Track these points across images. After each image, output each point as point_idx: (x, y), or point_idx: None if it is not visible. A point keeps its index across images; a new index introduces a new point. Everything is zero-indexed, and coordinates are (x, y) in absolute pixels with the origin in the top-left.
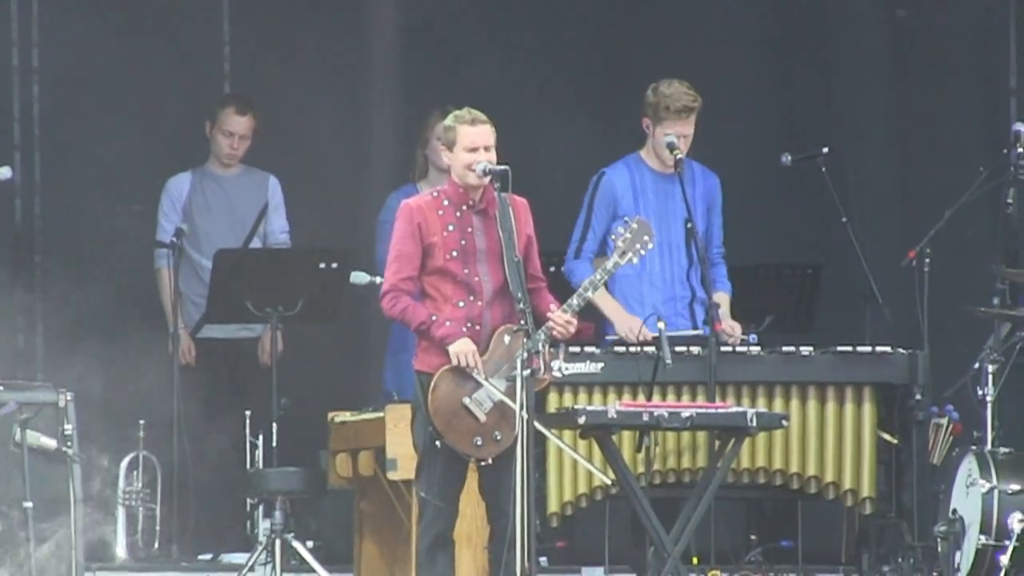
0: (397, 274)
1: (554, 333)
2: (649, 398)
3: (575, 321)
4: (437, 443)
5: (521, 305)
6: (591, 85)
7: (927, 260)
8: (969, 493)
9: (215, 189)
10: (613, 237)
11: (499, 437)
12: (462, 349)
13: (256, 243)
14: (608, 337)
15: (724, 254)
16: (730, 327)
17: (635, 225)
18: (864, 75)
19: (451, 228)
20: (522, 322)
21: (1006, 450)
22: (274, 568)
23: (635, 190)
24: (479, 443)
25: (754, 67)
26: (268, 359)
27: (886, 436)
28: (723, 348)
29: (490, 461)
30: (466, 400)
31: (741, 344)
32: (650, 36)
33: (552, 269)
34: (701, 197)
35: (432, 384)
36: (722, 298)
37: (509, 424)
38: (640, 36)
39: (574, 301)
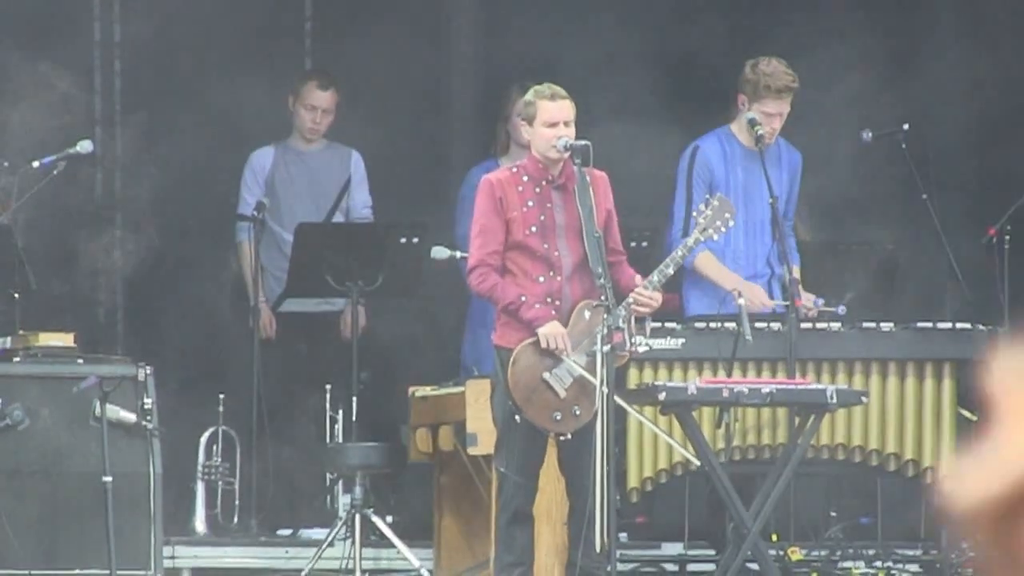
0: (483, 248)
1: (636, 310)
2: (729, 374)
3: (658, 296)
4: (516, 418)
5: (602, 280)
6: (670, 59)
7: (1007, 237)
8: None
9: (298, 163)
10: (695, 214)
11: (578, 412)
12: (552, 331)
13: (339, 218)
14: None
15: (794, 226)
16: (806, 298)
17: (716, 202)
18: (943, 51)
19: (530, 203)
20: (602, 297)
21: None
22: (353, 543)
23: (727, 163)
24: (558, 418)
25: (833, 45)
26: (349, 333)
27: (966, 413)
28: (803, 324)
29: (569, 436)
30: (546, 375)
31: (830, 316)
32: (727, 13)
33: (633, 245)
34: (787, 175)
35: (512, 358)
36: (795, 269)
37: (589, 399)
38: (717, 13)
39: (655, 277)
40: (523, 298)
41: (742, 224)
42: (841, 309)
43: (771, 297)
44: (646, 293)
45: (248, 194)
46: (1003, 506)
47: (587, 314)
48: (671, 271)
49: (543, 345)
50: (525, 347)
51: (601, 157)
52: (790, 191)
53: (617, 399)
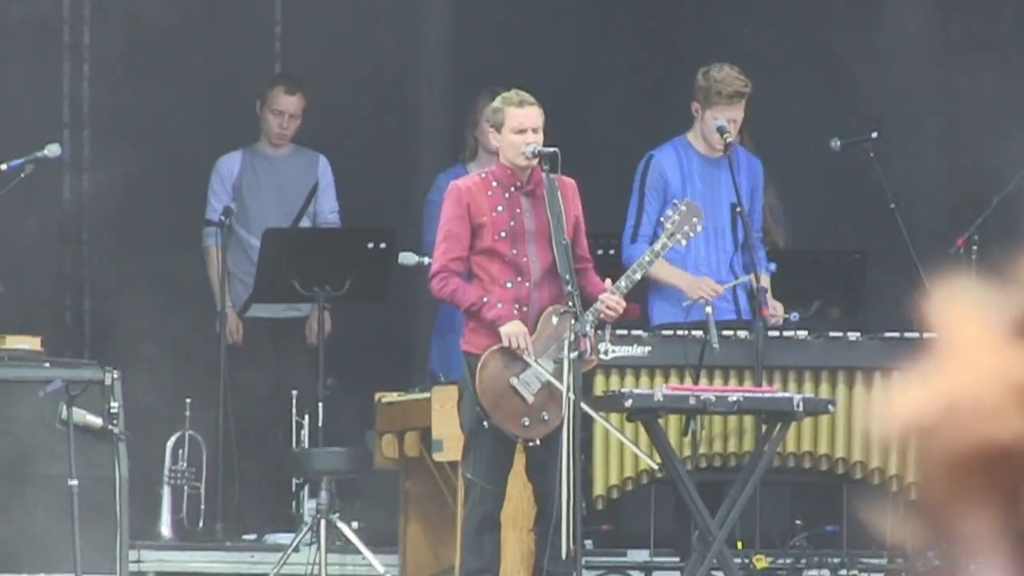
0: (446, 254)
1: (603, 315)
2: (696, 382)
3: (624, 303)
4: (485, 424)
5: (569, 287)
6: (640, 66)
7: (975, 247)
8: None
9: (265, 168)
10: (662, 220)
11: (546, 418)
12: (513, 331)
13: (306, 223)
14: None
15: (763, 238)
16: (772, 307)
17: (684, 207)
18: (911, 59)
19: (500, 209)
20: (570, 304)
21: None
22: (319, 548)
23: (683, 173)
24: (526, 423)
25: (801, 50)
26: (315, 339)
27: None
28: (771, 333)
29: (538, 442)
30: (514, 380)
31: (784, 324)
32: (699, 17)
33: (600, 252)
34: (746, 181)
35: (480, 364)
36: (764, 277)
37: (557, 405)
38: (690, 17)
39: (622, 283)
40: (484, 299)
41: (703, 231)
42: (794, 316)
43: (737, 304)
44: (613, 298)
45: (215, 199)
46: (932, 431)
47: (555, 320)
48: (638, 276)
49: (504, 343)
50: (493, 352)
51: (569, 163)
52: (752, 200)
53: (584, 406)
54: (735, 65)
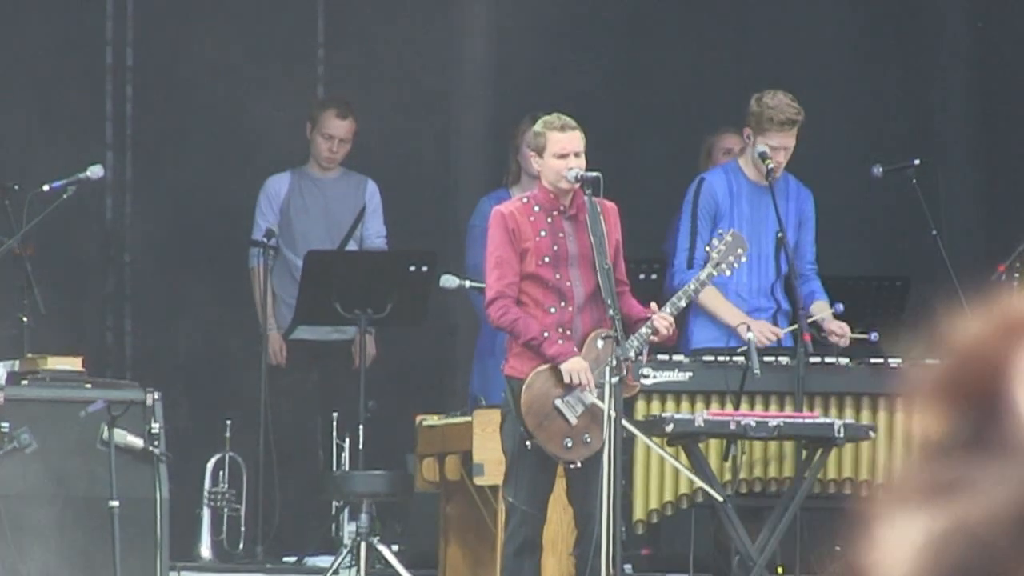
0: (500, 280)
1: (653, 338)
2: (737, 407)
3: (674, 324)
4: (528, 443)
5: (611, 312)
6: (682, 93)
7: (1016, 274)
8: None
9: (313, 191)
10: (708, 249)
11: (589, 440)
12: (576, 367)
13: (352, 246)
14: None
15: (817, 270)
16: (839, 327)
17: (729, 237)
18: (952, 87)
19: (543, 234)
20: (613, 328)
21: None
22: (358, 571)
23: (732, 196)
24: (569, 445)
25: (845, 79)
26: (365, 363)
27: None
28: (812, 359)
29: (579, 464)
30: (558, 402)
31: (860, 343)
32: (742, 47)
33: (642, 277)
34: (794, 211)
35: (526, 384)
36: (823, 304)
37: (599, 428)
38: (732, 47)
39: (668, 309)
40: (546, 334)
41: (747, 259)
42: (874, 336)
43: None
44: (664, 321)
45: (262, 219)
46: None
47: (600, 343)
48: (683, 304)
49: (566, 381)
50: (539, 373)
51: (610, 187)
52: (800, 231)
53: (629, 425)
54: (788, 92)
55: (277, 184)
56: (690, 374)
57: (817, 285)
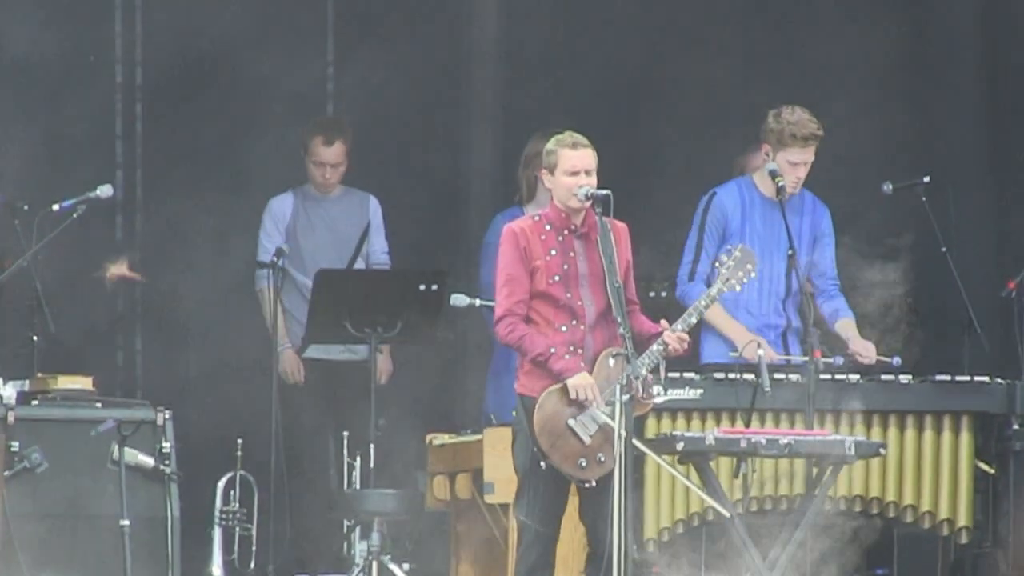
0: (510, 298)
1: (667, 353)
2: (747, 424)
3: (687, 338)
4: (542, 464)
5: (622, 330)
6: (693, 110)
7: None
8: None
9: (317, 210)
10: (717, 264)
11: (603, 459)
12: (581, 383)
13: (359, 264)
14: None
15: (840, 286)
16: (864, 347)
17: (738, 253)
18: (962, 104)
19: (553, 252)
20: (624, 346)
21: None
22: None
23: (744, 212)
24: (583, 464)
25: (856, 96)
26: (383, 380)
27: (983, 466)
28: (822, 376)
29: (594, 483)
30: (571, 421)
31: (881, 366)
32: (754, 66)
33: (652, 295)
34: (808, 227)
35: (538, 404)
36: (848, 323)
37: (612, 447)
38: (744, 66)
39: (679, 326)
40: (552, 349)
41: (757, 273)
42: (896, 360)
43: (788, 349)
44: (675, 336)
45: (268, 240)
46: None
47: (611, 362)
48: (694, 320)
49: (572, 396)
50: (550, 393)
51: (619, 205)
52: (815, 247)
53: (640, 444)
54: (807, 108)
55: (281, 204)
56: (700, 391)
57: (842, 303)
